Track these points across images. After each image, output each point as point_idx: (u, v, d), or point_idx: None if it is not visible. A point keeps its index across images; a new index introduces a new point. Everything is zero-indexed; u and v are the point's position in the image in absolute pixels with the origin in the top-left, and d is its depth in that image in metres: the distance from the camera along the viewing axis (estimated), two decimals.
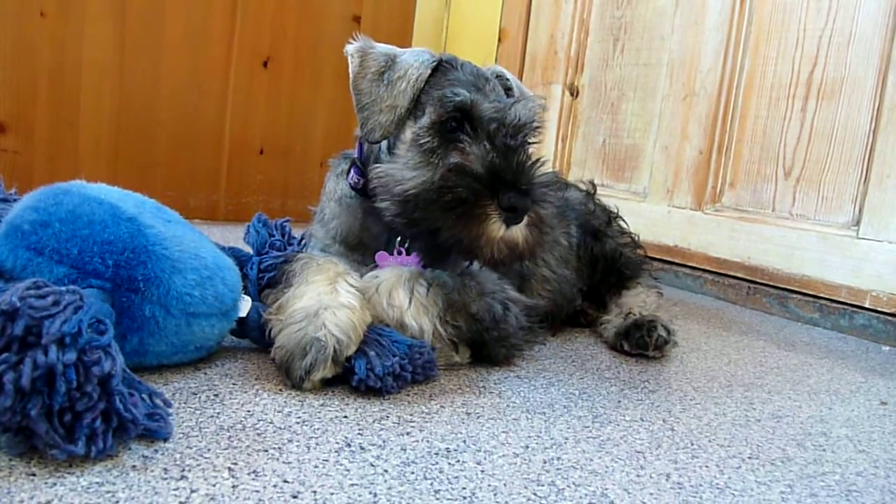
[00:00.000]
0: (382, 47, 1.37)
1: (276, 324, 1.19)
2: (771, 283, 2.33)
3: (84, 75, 2.61)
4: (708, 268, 2.51)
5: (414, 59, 1.32)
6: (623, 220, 1.91)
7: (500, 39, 3.31)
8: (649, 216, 2.63)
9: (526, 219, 1.21)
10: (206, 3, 2.82)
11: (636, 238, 1.90)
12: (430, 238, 1.25)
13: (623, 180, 2.81)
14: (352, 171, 1.44)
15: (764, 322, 2.19)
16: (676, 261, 2.58)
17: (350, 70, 1.34)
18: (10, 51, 2.45)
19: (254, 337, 1.28)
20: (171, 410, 0.92)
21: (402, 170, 1.27)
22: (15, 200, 1.25)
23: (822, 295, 2.20)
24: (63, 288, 0.82)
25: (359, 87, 1.32)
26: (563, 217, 1.77)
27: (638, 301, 1.75)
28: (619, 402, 1.28)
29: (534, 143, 1.36)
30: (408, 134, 1.30)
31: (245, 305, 1.26)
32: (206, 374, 1.18)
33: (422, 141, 1.27)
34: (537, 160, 1.27)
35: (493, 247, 1.21)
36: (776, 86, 2.34)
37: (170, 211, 1.22)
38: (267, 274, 1.44)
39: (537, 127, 1.34)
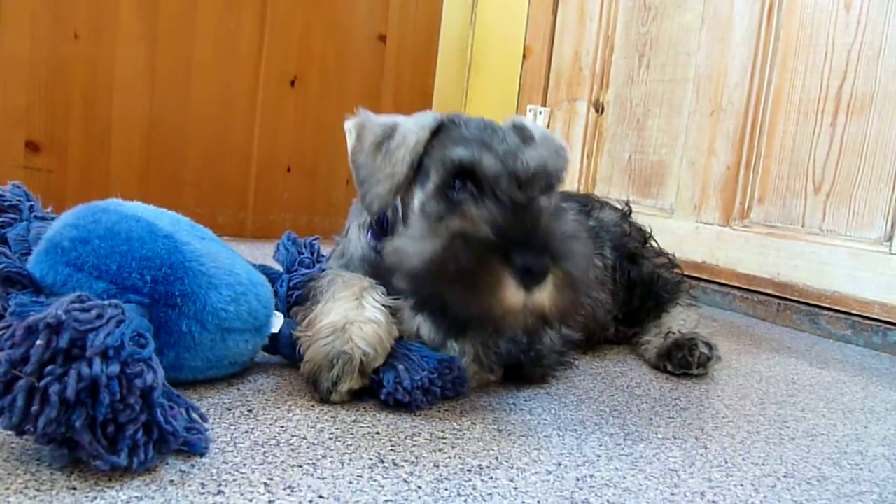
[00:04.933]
0: (383, 118, 1.27)
1: (304, 340, 1.21)
2: (801, 300, 2.31)
3: (116, 96, 2.67)
4: (737, 284, 2.49)
5: (414, 124, 1.23)
6: (653, 239, 1.91)
7: (524, 56, 3.33)
8: (676, 232, 2.62)
9: (551, 279, 1.05)
10: (235, 24, 2.87)
11: (672, 257, 1.89)
12: (443, 315, 1.11)
13: (649, 196, 2.80)
14: (369, 233, 1.38)
15: (795, 339, 2.16)
16: (704, 277, 2.56)
17: (348, 146, 1.26)
18: (44, 72, 2.52)
19: (285, 353, 1.29)
20: (207, 425, 0.93)
21: (411, 243, 1.13)
22: (52, 219, 1.28)
23: (854, 311, 2.18)
24: (106, 302, 0.84)
25: (357, 162, 1.23)
26: (597, 238, 1.77)
27: (678, 320, 1.73)
28: (651, 419, 1.27)
29: (553, 191, 1.22)
30: (416, 202, 1.21)
31: (277, 322, 1.27)
32: (239, 389, 1.19)
33: (428, 209, 1.17)
34: (556, 211, 1.14)
35: (515, 317, 1.05)
36: (805, 100, 2.32)
37: (203, 228, 1.24)
38: (296, 291, 1.46)
39: (554, 173, 1.19)
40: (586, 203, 1.88)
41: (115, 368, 0.78)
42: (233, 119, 2.93)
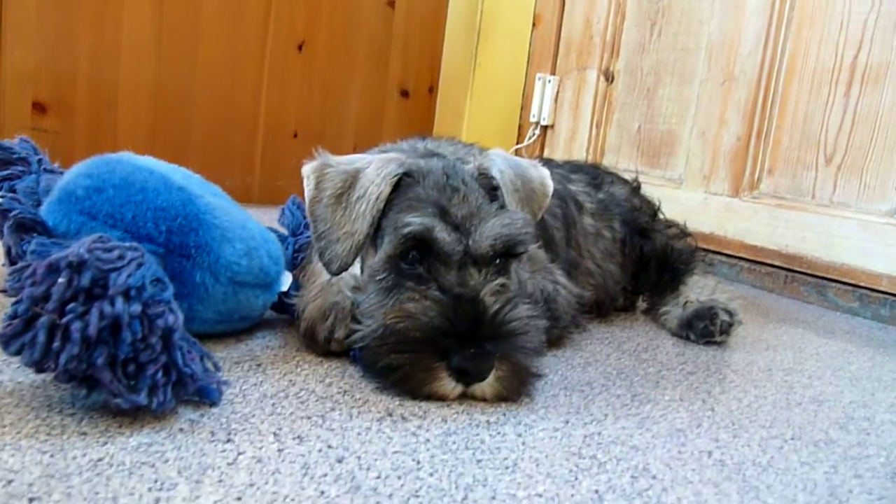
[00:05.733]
0: (344, 165, 1.18)
1: (299, 302, 1.23)
2: (809, 272, 2.30)
3: (122, 58, 2.65)
4: (744, 255, 2.48)
5: (376, 175, 1.13)
6: (660, 212, 1.90)
7: (534, 24, 3.29)
8: (685, 203, 2.60)
9: (494, 373, 1.02)
10: None
11: (683, 227, 1.89)
12: (386, 383, 1.07)
13: (658, 167, 2.79)
14: None
15: (802, 310, 2.16)
16: (712, 248, 2.55)
17: (306, 193, 1.17)
18: (50, 33, 2.50)
19: (293, 312, 1.30)
20: (220, 374, 0.93)
21: (363, 309, 1.12)
22: (61, 173, 1.27)
23: (862, 284, 2.17)
24: (126, 244, 0.83)
25: (315, 214, 1.14)
26: (606, 210, 1.76)
27: (695, 289, 1.73)
28: (658, 382, 1.28)
29: (517, 257, 1.16)
30: (370, 266, 1.15)
31: (286, 280, 1.27)
32: (247, 345, 1.19)
33: (378, 277, 1.11)
34: (508, 301, 1.06)
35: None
36: (818, 70, 2.30)
37: (214, 186, 1.24)
38: (301, 254, 1.47)
39: (517, 237, 1.11)
40: (596, 176, 1.87)
41: (136, 308, 0.79)
42: (240, 83, 2.91)
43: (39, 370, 0.80)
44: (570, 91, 3.16)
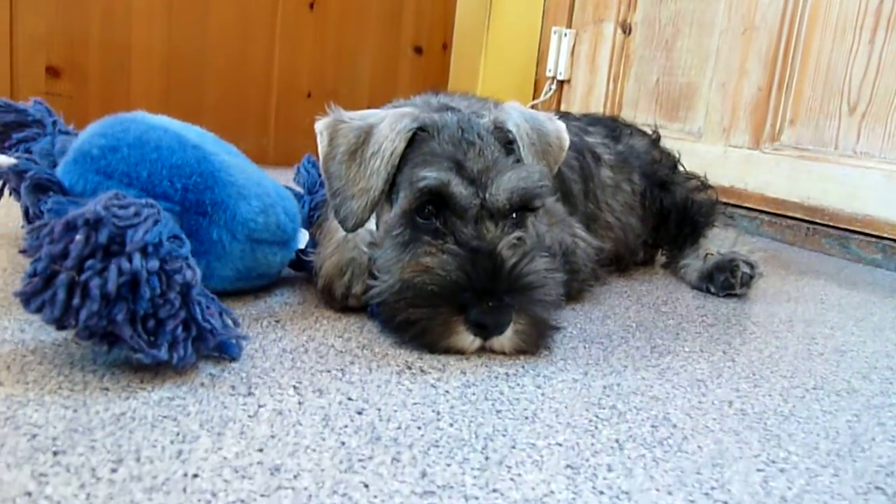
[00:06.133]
0: (357, 120, 1.17)
1: (316, 259, 1.23)
2: (831, 224, 2.26)
3: (134, 20, 2.64)
4: (765, 208, 2.45)
5: (390, 130, 1.12)
6: (680, 164, 1.87)
7: None
8: (704, 156, 2.56)
9: (512, 326, 1.02)
10: None
11: (704, 179, 1.86)
12: (403, 337, 1.07)
13: (677, 120, 2.74)
14: None
15: (823, 263, 2.13)
16: (732, 202, 2.52)
17: (319, 150, 1.16)
18: None
19: (310, 269, 1.30)
20: (240, 330, 0.94)
21: (380, 264, 1.12)
22: (76, 134, 1.27)
23: (885, 235, 2.13)
24: (142, 200, 0.83)
25: (329, 171, 1.14)
26: (626, 163, 1.74)
27: (715, 241, 1.70)
28: (678, 334, 1.27)
29: (533, 211, 1.15)
30: (385, 221, 1.15)
31: (303, 238, 1.27)
32: (266, 302, 1.20)
33: (394, 233, 1.10)
34: (525, 255, 1.05)
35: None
36: (842, 17, 2.23)
37: (228, 144, 1.23)
38: (317, 212, 1.46)
39: (534, 190, 1.11)
40: (615, 128, 1.84)
41: (154, 264, 0.79)
42: (252, 44, 2.88)
43: (60, 327, 0.80)
44: (586, 44, 3.10)
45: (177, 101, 2.75)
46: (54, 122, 1.31)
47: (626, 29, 2.93)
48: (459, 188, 1.06)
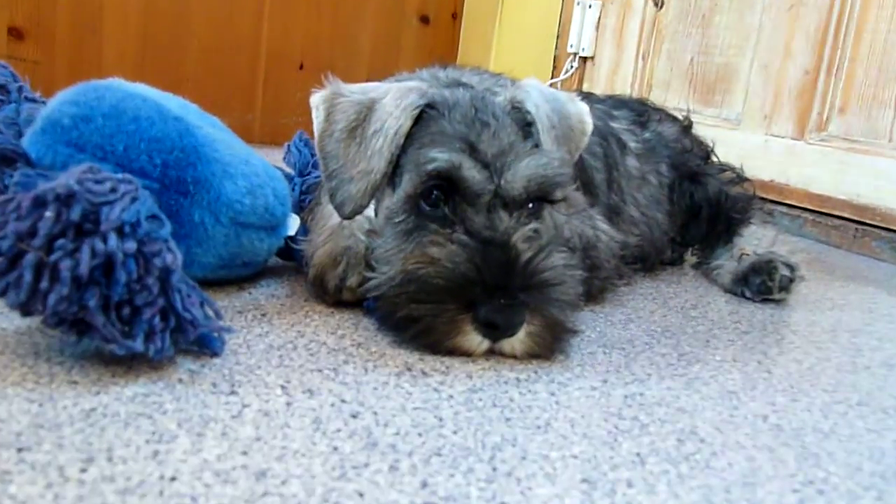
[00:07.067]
0: (357, 94, 1.16)
1: (307, 247, 1.24)
2: (883, 225, 2.27)
3: None
4: (809, 206, 2.46)
5: (394, 106, 1.11)
6: (714, 154, 1.88)
7: None
8: (742, 146, 2.57)
9: (525, 327, 1.03)
10: None
11: (739, 171, 1.86)
12: (404, 335, 1.08)
13: (713, 105, 2.75)
14: None
15: (873, 268, 2.14)
16: (771, 198, 2.52)
17: (314, 125, 1.16)
18: None
19: (300, 258, 1.31)
20: (223, 323, 0.95)
21: (379, 255, 1.12)
22: (43, 102, 1.28)
23: None
24: (119, 176, 0.84)
25: (325, 150, 1.13)
26: (653, 152, 1.75)
27: (752, 240, 1.71)
28: (708, 341, 1.28)
29: (552, 202, 1.15)
30: (386, 207, 1.15)
31: (294, 223, 1.28)
32: (251, 294, 1.21)
33: (396, 220, 1.10)
34: (542, 249, 1.05)
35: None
36: None
37: (212, 117, 1.24)
38: (309, 196, 1.47)
39: (550, 189, 1.11)
40: (642, 112, 1.85)
41: (131, 245, 0.79)
42: (239, 8, 2.89)
43: (26, 313, 0.81)
44: (613, 17, 3.11)
45: (153, 68, 2.76)
46: (20, 88, 1.32)
47: (658, 2, 2.94)
48: (472, 172, 1.06)
